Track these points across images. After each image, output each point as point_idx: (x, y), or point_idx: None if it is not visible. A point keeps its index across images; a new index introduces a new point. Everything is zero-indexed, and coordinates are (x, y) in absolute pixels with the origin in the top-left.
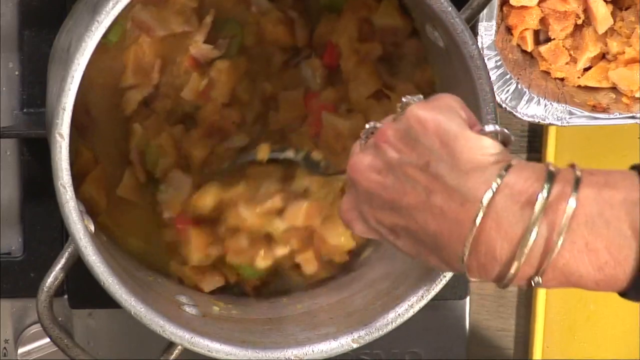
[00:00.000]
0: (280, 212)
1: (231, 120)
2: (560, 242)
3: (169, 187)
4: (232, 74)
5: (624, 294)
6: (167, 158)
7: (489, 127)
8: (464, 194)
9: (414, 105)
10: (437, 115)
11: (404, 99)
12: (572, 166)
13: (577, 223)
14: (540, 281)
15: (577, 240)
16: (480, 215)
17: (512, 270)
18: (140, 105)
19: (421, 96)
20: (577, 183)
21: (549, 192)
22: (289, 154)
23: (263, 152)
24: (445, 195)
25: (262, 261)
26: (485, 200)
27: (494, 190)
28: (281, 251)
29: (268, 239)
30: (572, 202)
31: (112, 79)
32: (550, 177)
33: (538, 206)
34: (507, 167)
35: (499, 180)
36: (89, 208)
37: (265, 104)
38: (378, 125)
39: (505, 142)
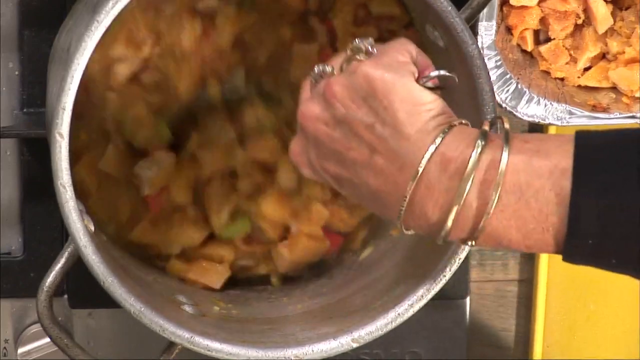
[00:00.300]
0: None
1: (230, 61)
2: (489, 210)
3: (150, 163)
4: (240, 21)
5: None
6: (145, 130)
7: (433, 73)
8: (403, 158)
9: (365, 63)
10: (385, 75)
11: (354, 42)
12: (506, 131)
13: (505, 191)
14: (474, 243)
15: (505, 209)
16: (414, 181)
17: (443, 233)
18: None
19: (371, 40)
20: (507, 151)
21: (478, 160)
22: (238, 81)
23: (213, 87)
24: (387, 157)
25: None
26: (420, 168)
27: (428, 157)
28: (245, 183)
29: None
30: (500, 171)
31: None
32: (482, 143)
33: (466, 175)
34: (444, 133)
35: (433, 148)
36: (80, 191)
37: (274, 58)
38: (327, 68)
39: (446, 84)
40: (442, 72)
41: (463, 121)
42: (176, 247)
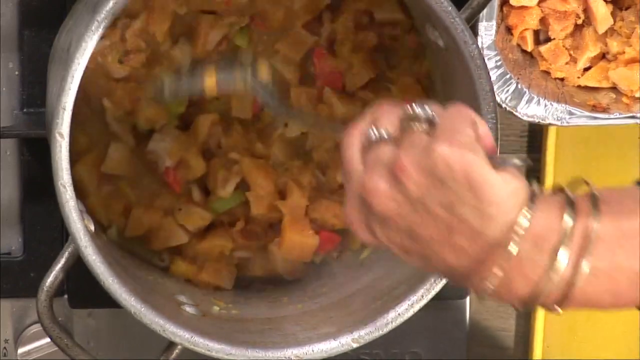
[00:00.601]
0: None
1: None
2: (581, 280)
3: (163, 135)
4: None
5: None
6: (152, 109)
7: (509, 163)
8: (488, 238)
9: (439, 142)
10: (464, 157)
11: (412, 108)
12: (591, 195)
13: (599, 258)
14: (560, 310)
15: (599, 274)
16: (503, 259)
17: (530, 303)
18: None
19: (431, 107)
20: (597, 219)
21: (571, 234)
22: (237, 75)
23: (210, 79)
24: (469, 237)
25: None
26: (508, 247)
27: (518, 236)
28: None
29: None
30: (592, 240)
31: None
32: (572, 215)
33: (561, 252)
34: (529, 208)
35: (522, 223)
36: (80, 191)
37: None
38: (383, 133)
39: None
40: (518, 162)
41: (536, 186)
42: (180, 235)
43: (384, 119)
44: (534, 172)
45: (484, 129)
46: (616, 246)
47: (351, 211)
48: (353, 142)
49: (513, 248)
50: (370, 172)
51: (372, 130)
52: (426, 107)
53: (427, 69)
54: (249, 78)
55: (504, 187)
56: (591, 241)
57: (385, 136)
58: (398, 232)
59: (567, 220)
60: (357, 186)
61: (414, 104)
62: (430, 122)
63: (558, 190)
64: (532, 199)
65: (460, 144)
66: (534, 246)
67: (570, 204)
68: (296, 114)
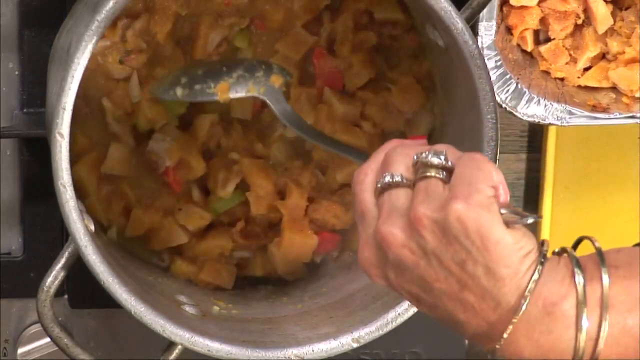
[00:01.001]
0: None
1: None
2: (599, 352)
3: (163, 135)
4: None
5: None
6: (154, 109)
7: (522, 221)
8: (498, 299)
9: (456, 201)
10: (480, 218)
11: (425, 155)
12: (599, 255)
13: (610, 324)
14: None
15: (610, 340)
16: (512, 324)
17: None
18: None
19: (445, 153)
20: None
21: (584, 302)
22: (250, 85)
23: (223, 92)
24: (479, 295)
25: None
26: (518, 310)
27: (527, 299)
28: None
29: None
30: (604, 307)
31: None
32: (582, 282)
33: (579, 324)
34: (539, 272)
35: (532, 286)
36: (80, 191)
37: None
38: (396, 178)
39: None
40: (530, 220)
41: (545, 246)
42: (180, 235)
43: (397, 162)
44: (534, 173)
45: (499, 178)
46: (626, 311)
47: (365, 254)
48: (366, 183)
49: (523, 312)
50: (385, 219)
51: (386, 174)
52: (442, 155)
53: (427, 69)
54: (260, 94)
55: (517, 250)
56: (604, 308)
57: (400, 180)
58: (411, 280)
59: (580, 286)
60: (372, 230)
61: (429, 152)
62: (446, 168)
63: (562, 251)
64: (542, 261)
65: (477, 202)
66: (544, 313)
67: (581, 271)
68: (315, 136)
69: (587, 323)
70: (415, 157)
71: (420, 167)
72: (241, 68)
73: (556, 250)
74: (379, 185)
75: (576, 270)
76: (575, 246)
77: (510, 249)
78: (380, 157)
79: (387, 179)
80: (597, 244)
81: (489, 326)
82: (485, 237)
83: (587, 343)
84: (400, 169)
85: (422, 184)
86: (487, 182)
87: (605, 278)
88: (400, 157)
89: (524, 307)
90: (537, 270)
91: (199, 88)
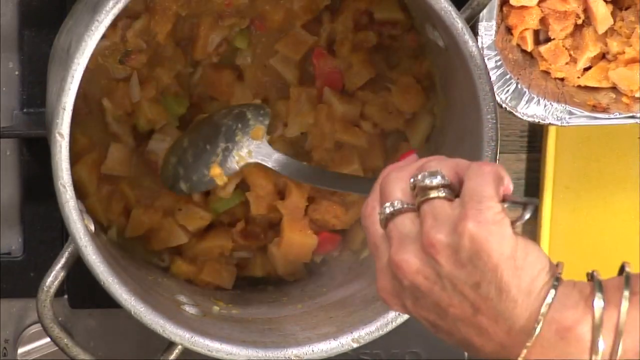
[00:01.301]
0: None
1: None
2: None
3: (162, 135)
4: None
5: None
6: (154, 109)
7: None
8: (511, 322)
9: (468, 221)
10: (490, 235)
11: (419, 179)
12: (626, 279)
13: (624, 351)
14: None
15: None
16: (526, 348)
17: None
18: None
19: (441, 178)
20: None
21: (600, 327)
22: (238, 159)
23: (219, 177)
24: (492, 318)
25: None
26: (533, 333)
27: (541, 323)
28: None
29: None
30: (619, 332)
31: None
32: (601, 306)
33: (594, 349)
34: (554, 294)
35: (544, 310)
36: (79, 191)
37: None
38: (397, 205)
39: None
40: (530, 211)
41: (560, 268)
42: (180, 236)
43: (393, 189)
44: (534, 173)
45: (507, 180)
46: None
47: (382, 283)
48: (373, 216)
49: (536, 335)
50: (397, 247)
51: (386, 205)
52: (437, 175)
53: (427, 69)
54: (251, 159)
55: (530, 271)
56: (619, 334)
57: (400, 207)
58: (427, 307)
59: (598, 310)
60: (386, 260)
61: (424, 174)
62: (445, 186)
63: (589, 276)
64: (556, 285)
65: (488, 221)
66: (559, 337)
67: (601, 298)
68: (314, 175)
69: (604, 345)
70: (411, 181)
71: (419, 192)
72: (221, 138)
73: (588, 272)
74: (381, 217)
75: (597, 293)
76: (620, 272)
77: (522, 268)
78: (379, 190)
79: (388, 209)
80: (627, 269)
81: (504, 350)
82: (497, 255)
83: None
84: (398, 195)
85: (427, 207)
86: (497, 195)
87: (625, 304)
88: (394, 183)
89: (537, 331)
90: (550, 293)
91: (197, 179)
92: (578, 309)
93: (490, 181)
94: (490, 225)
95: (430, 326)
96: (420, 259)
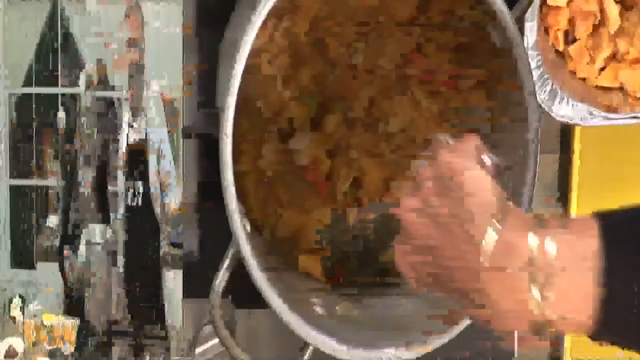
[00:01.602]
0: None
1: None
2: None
3: (302, 135)
4: None
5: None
6: (296, 109)
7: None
8: (473, 235)
9: (444, 151)
10: (462, 160)
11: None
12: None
13: (560, 279)
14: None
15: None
16: (485, 270)
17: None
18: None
19: (449, 139)
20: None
21: (536, 249)
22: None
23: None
24: (463, 239)
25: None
26: (487, 248)
27: (492, 245)
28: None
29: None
30: (551, 257)
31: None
32: (535, 234)
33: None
34: (502, 221)
35: (494, 235)
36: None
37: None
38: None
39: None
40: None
41: (511, 203)
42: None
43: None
44: (564, 172)
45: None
46: (574, 268)
47: (400, 256)
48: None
49: (486, 255)
50: (404, 195)
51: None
52: (446, 136)
53: (492, 67)
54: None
55: (486, 193)
56: (556, 267)
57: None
58: (427, 263)
59: (530, 240)
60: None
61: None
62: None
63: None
64: (503, 218)
65: (461, 150)
66: (507, 256)
67: (541, 223)
68: None
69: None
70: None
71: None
72: None
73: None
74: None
75: (537, 222)
76: None
77: (482, 193)
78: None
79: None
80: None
81: (473, 276)
82: (464, 177)
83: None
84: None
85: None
86: (474, 146)
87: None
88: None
89: (487, 250)
90: (500, 218)
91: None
92: (520, 232)
93: (470, 140)
94: (463, 153)
95: (434, 284)
96: (413, 197)
